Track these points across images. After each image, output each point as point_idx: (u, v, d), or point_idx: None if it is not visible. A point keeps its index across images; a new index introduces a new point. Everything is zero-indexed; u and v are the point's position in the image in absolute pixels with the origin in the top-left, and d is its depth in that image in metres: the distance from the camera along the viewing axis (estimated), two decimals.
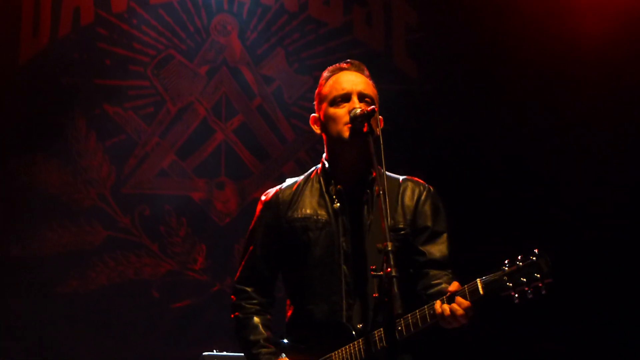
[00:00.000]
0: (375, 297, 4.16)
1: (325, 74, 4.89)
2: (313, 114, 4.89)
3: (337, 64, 4.90)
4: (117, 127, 8.97)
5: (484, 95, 9.04)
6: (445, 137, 8.93)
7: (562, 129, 8.90)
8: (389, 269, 3.97)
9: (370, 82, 4.81)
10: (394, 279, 3.94)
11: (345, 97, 4.69)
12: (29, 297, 8.54)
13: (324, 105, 4.77)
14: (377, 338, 4.40)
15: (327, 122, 4.74)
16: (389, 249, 4.02)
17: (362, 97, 4.69)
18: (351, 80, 4.77)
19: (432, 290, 4.53)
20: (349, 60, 4.90)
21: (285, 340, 4.82)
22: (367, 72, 4.84)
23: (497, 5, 9.07)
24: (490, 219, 8.65)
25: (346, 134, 4.62)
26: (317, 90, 4.91)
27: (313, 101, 4.93)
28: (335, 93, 4.73)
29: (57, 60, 8.87)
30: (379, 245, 4.09)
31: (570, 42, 8.92)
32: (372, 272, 4.11)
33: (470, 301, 4.19)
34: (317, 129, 4.87)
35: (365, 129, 4.49)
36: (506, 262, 4.17)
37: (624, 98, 8.80)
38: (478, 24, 9.10)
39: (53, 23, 8.93)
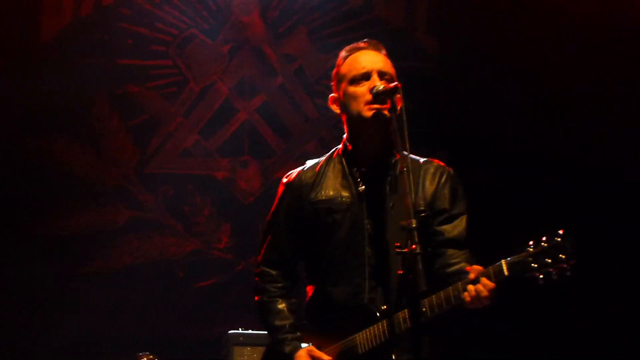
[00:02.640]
0: (400, 274, 4.15)
1: (343, 53, 4.86)
2: (332, 94, 4.87)
3: (354, 44, 4.86)
4: (140, 107, 8.99)
5: (506, 73, 9.00)
6: (467, 115, 8.91)
7: (588, 106, 8.87)
8: (413, 246, 3.97)
9: (389, 60, 4.78)
10: (418, 256, 3.94)
11: (365, 75, 4.66)
12: (53, 276, 8.59)
13: (343, 84, 4.74)
14: (401, 319, 4.38)
15: (347, 101, 4.71)
16: (414, 225, 4.02)
17: (382, 74, 4.66)
18: (370, 58, 4.73)
19: (450, 269, 4.52)
20: (366, 39, 4.87)
21: (306, 322, 4.82)
22: (384, 51, 4.81)
23: None
24: (514, 198, 8.64)
25: (368, 113, 4.59)
26: (334, 71, 4.87)
27: (332, 81, 4.92)
28: (354, 72, 4.69)
29: (79, 40, 8.88)
30: (403, 223, 4.07)
31: (592, 17, 8.88)
32: (397, 250, 4.10)
33: (495, 282, 4.18)
34: (336, 109, 4.83)
35: (388, 105, 4.47)
36: (530, 243, 4.15)
37: None
38: (500, 1, 9.06)
39: (75, 3, 8.93)
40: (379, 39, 4.90)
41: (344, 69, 4.78)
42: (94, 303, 8.61)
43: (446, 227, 4.66)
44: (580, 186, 8.70)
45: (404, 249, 4.05)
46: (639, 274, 8.49)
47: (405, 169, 4.18)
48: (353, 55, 4.79)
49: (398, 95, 4.46)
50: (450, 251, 4.60)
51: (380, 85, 4.55)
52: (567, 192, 8.68)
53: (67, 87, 8.78)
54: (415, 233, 3.99)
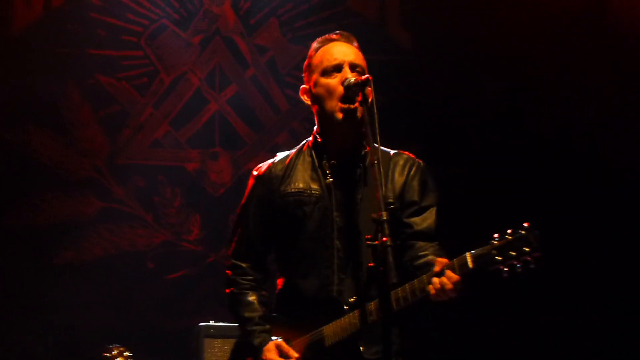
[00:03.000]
0: (371, 266, 4.16)
1: (315, 44, 4.87)
2: (303, 86, 4.87)
3: (327, 35, 4.87)
4: (111, 97, 8.95)
5: (479, 67, 9.02)
6: (439, 109, 8.93)
7: (560, 99, 8.89)
8: (384, 239, 3.98)
9: (360, 53, 4.80)
10: (389, 248, 3.95)
11: (337, 67, 4.67)
12: (23, 268, 8.54)
13: (315, 75, 4.75)
14: (368, 310, 4.41)
15: (319, 93, 4.72)
16: (384, 218, 4.02)
17: (353, 67, 4.68)
18: (342, 50, 4.74)
19: (418, 262, 4.52)
20: (338, 31, 4.88)
21: (275, 315, 4.83)
22: (356, 43, 4.83)
23: None
24: (483, 192, 8.66)
25: (339, 115, 4.61)
26: (306, 62, 4.88)
27: (303, 73, 4.91)
28: (326, 63, 4.70)
29: (50, 30, 8.83)
30: (374, 215, 4.08)
31: (567, 5, 8.92)
32: (367, 242, 4.11)
33: (459, 275, 4.20)
34: (307, 100, 4.85)
35: (359, 100, 4.48)
36: (495, 236, 4.17)
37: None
38: None
39: None
40: (352, 32, 4.92)
41: (315, 60, 4.79)
42: (64, 295, 8.57)
43: (415, 220, 4.68)
44: (555, 179, 8.73)
45: (374, 241, 4.07)
46: (617, 268, 8.54)
47: (375, 162, 4.19)
48: (325, 47, 4.80)
49: (369, 88, 4.48)
50: (419, 244, 4.62)
51: (351, 78, 4.56)
52: (542, 185, 8.72)
53: (38, 78, 8.74)
54: (386, 225, 4.00)
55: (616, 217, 8.59)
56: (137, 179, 8.94)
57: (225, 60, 9.18)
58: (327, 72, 4.69)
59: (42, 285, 8.55)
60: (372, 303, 4.40)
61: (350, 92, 4.54)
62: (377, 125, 4.30)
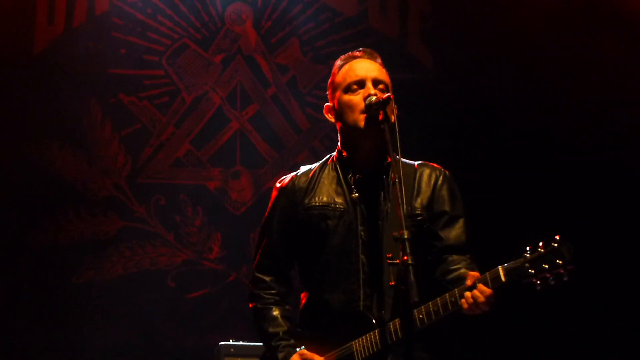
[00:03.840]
0: (392, 285, 4.14)
1: (338, 62, 4.87)
2: (327, 104, 4.87)
3: (350, 52, 4.87)
4: (133, 116, 8.98)
5: (500, 84, 9.01)
6: (461, 126, 8.91)
7: (579, 116, 8.87)
8: (405, 257, 3.96)
9: (384, 69, 4.79)
10: (410, 267, 3.93)
11: (360, 84, 4.67)
12: (44, 286, 8.56)
13: (338, 93, 4.75)
14: (392, 329, 4.39)
15: (341, 109, 4.72)
16: (405, 237, 4.00)
17: (376, 83, 4.67)
18: (365, 67, 4.74)
19: (451, 276, 4.51)
20: (361, 48, 4.88)
21: (300, 330, 4.80)
22: (379, 60, 4.82)
23: None
24: (508, 207, 8.64)
25: (362, 123, 4.60)
26: (330, 80, 4.88)
27: (327, 90, 4.91)
28: (349, 80, 4.70)
29: (72, 49, 8.88)
30: (395, 234, 4.06)
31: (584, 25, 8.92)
32: (389, 261, 4.09)
33: (492, 288, 4.18)
34: (331, 118, 4.84)
35: (380, 117, 4.47)
36: (527, 248, 4.15)
37: None
38: (493, 12, 9.07)
39: (68, 12, 8.94)
40: (373, 50, 4.90)
41: (339, 77, 4.79)
42: (86, 313, 8.58)
43: (446, 233, 4.66)
44: (579, 191, 8.70)
45: (396, 259, 4.05)
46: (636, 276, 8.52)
47: (397, 180, 4.17)
48: (348, 64, 4.80)
49: (391, 106, 4.47)
50: (452, 257, 4.60)
51: (372, 97, 4.55)
52: (566, 197, 8.69)
53: (60, 96, 8.78)
54: (407, 244, 3.98)
55: None
56: (159, 197, 8.95)
57: (247, 79, 9.19)
58: (350, 88, 4.69)
59: (64, 304, 8.56)
60: (395, 321, 4.39)
61: (372, 110, 4.53)
62: (398, 144, 4.30)
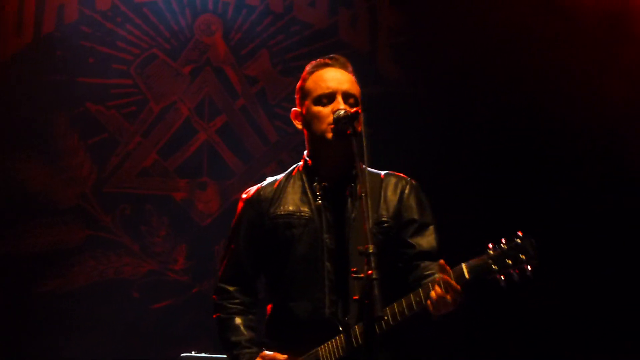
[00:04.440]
0: (355, 299, 4.14)
1: (309, 68, 4.85)
2: (294, 109, 4.86)
3: (321, 59, 4.85)
4: (100, 125, 8.94)
5: (468, 99, 9.04)
6: (429, 141, 8.93)
7: (545, 132, 8.92)
8: (370, 272, 3.95)
9: (354, 80, 4.79)
10: (375, 282, 3.92)
11: (330, 97, 4.67)
12: (7, 296, 8.50)
13: (307, 102, 4.74)
14: (356, 333, 4.41)
15: (310, 119, 4.72)
16: (370, 251, 4.00)
17: (346, 96, 4.67)
18: (336, 78, 4.73)
19: (425, 281, 4.50)
20: (333, 55, 4.86)
21: (266, 340, 4.78)
22: (350, 68, 4.82)
23: (481, 10, 9.07)
24: (474, 220, 8.68)
25: (329, 135, 4.61)
26: (299, 84, 4.87)
27: (295, 94, 4.89)
28: (319, 91, 4.70)
29: (40, 57, 8.83)
30: (360, 248, 4.06)
31: (556, 39, 8.96)
32: (353, 274, 4.09)
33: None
34: (298, 124, 4.84)
35: (348, 132, 4.46)
36: (490, 245, 4.19)
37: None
38: (463, 28, 9.10)
39: (37, 20, 8.89)
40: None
41: (309, 84, 4.77)
42: (48, 323, 8.52)
43: (417, 240, 4.69)
44: (547, 199, 8.78)
45: (360, 274, 4.05)
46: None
47: (363, 194, 4.17)
48: (319, 72, 4.79)
49: (359, 120, 4.47)
50: (424, 263, 4.64)
51: (341, 111, 4.55)
52: (534, 207, 8.76)
53: (26, 105, 8.73)
54: (373, 258, 3.98)
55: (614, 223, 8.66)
56: (125, 207, 8.92)
57: (215, 91, 9.17)
58: (320, 100, 4.68)
59: (27, 314, 8.50)
60: (357, 326, 4.40)
61: (340, 124, 4.53)
62: (365, 156, 4.30)
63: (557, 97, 8.87)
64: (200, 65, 9.16)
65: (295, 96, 4.89)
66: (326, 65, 4.81)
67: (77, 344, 8.50)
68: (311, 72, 4.82)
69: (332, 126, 4.59)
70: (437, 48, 9.15)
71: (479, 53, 9.02)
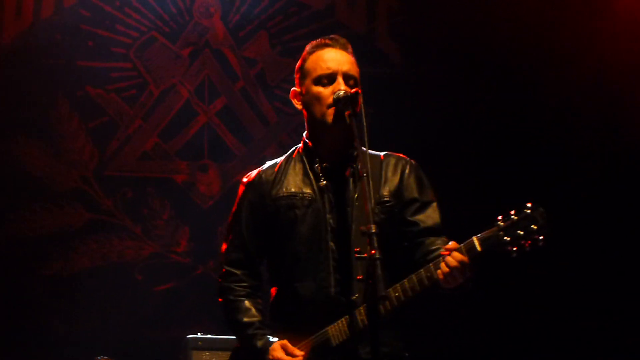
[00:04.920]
0: (359, 279, 4.16)
1: (309, 48, 4.81)
2: (293, 88, 4.85)
3: (322, 39, 4.80)
4: (100, 109, 8.94)
5: (468, 78, 9.05)
6: (428, 120, 8.94)
7: (553, 106, 8.95)
8: (373, 251, 3.98)
9: (354, 61, 4.76)
10: (378, 261, 3.95)
11: (330, 78, 4.65)
12: (11, 279, 8.52)
13: (307, 81, 4.72)
14: (364, 313, 4.40)
15: (310, 100, 4.70)
16: (373, 231, 4.03)
17: (347, 77, 4.66)
18: (337, 59, 4.70)
19: (431, 256, 4.51)
20: (333, 36, 4.82)
21: (271, 323, 4.78)
22: (350, 50, 4.79)
23: None
24: (475, 203, 8.69)
25: (329, 117, 4.60)
26: (298, 64, 4.84)
27: (294, 74, 4.89)
28: (320, 72, 4.68)
29: (39, 41, 8.81)
30: (363, 228, 4.08)
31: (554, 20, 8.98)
32: (356, 255, 4.11)
33: (467, 258, 4.22)
34: (297, 104, 4.82)
35: (348, 112, 4.48)
36: (499, 217, 4.21)
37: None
38: (462, 6, 9.11)
39: (36, 4, 8.86)
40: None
41: (309, 65, 4.76)
42: (51, 306, 8.56)
43: (420, 217, 4.68)
44: (551, 184, 8.80)
45: (363, 254, 4.07)
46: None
47: (364, 174, 4.19)
48: (319, 52, 4.76)
49: (359, 101, 4.48)
50: (429, 239, 4.62)
51: (341, 92, 4.56)
52: (538, 190, 8.78)
53: (27, 89, 8.73)
54: (375, 238, 4.00)
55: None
56: (126, 190, 8.93)
57: (215, 73, 9.18)
58: (320, 81, 4.67)
59: (30, 297, 8.53)
60: (364, 306, 4.41)
61: (340, 104, 4.54)
62: (366, 137, 4.32)
63: (561, 72, 8.88)
64: (200, 48, 9.17)
65: (295, 76, 4.87)
66: (326, 45, 4.79)
67: (80, 327, 8.53)
68: (311, 52, 4.80)
69: (333, 108, 4.59)
70: (436, 26, 9.17)
71: (479, 31, 9.02)
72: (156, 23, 9.06)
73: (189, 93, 9.11)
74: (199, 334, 7.11)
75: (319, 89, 4.66)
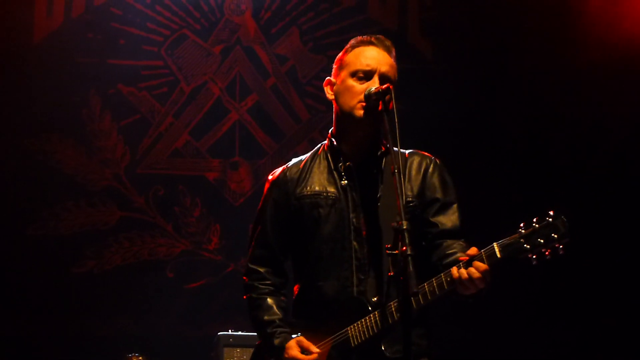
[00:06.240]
0: (390, 275, 4.13)
1: (353, 42, 4.80)
2: (329, 77, 4.84)
3: (368, 36, 4.79)
4: (132, 107, 8.98)
5: (499, 74, 9.01)
6: (460, 116, 8.91)
7: (576, 106, 8.89)
8: (404, 248, 3.95)
9: (395, 65, 4.73)
10: (410, 257, 3.93)
11: (368, 74, 4.62)
12: (45, 276, 8.56)
13: (344, 72, 4.71)
14: (393, 309, 4.38)
15: (342, 91, 4.69)
16: (404, 227, 4.00)
17: (383, 78, 4.62)
18: (378, 58, 4.68)
19: (447, 260, 4.50)
20: (380, 36, 4.81)
21: (294, 320, 4.80)
22: (394, 53, 4.76)
23: None
24: (503, 199, 8.67)
25: (359, 112, 4.58)
26: (339, 55, 4.82)
27: (334, 64, 4.87)
28: (358, 66, 4.66)
29: (71, 40, 8.87)
30: (394, 224, 4.06)
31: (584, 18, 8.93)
32: (388, 251, 4.09)
33: (487, 265, 4.19)
34: (329, 94, 4.81)
35: (380, 108, 4.46)
36: (521, 225, 4.16)
37: None
38: (492, 2, 9.08)
39: (67, 3, 8.91)
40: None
41: (349, 58, 4.75)
42: (84, 303, 8.59)
43: (440, 219, 4.66)
44: (579, 179, 8.78)
45: (394, 250, 4.04)
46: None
47: (396, 170, 4.17)
48: (362, 48, 4.74)
49: (389, 97, 4.46)
50: (447, 242, 4.61)
51: (372, 87, 4.54)
52: (566, 185, 8.76)
53: (59, 87, 8.78)
54: (407, 234, 3.98)
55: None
56: (158, 188, 8.96)
57: (246, 70, 9.19)
58: (357, 75, 4.65)
59: (63, 294, 8.57)
60: (393, 302, 4.38)
61: (371, 101, 4.52)
62: (397, 133, 4.29)
63: (594, 72, 8.83)
64: (231, 45, 9.17)
65: (334, 66, 4.85)
66: (371, 43, 4.76)
67: (113, 325, 8.57)
68: (354, 46, 4.78)
69: (363, 104, 4.57)
70: (468, 22, 9.14)
71: (511, 27, 8.98)
72: (187, 20, 9.08)
73: (220, 90, 9.12)
74: (230, 331, 7.14)
75: (353, 83, 4.65)
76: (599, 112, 8.86)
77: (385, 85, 4.49)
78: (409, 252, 3.93)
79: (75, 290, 8.63)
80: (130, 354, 5.41)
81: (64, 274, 8.65)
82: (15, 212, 8.66)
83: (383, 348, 4.48)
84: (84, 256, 8.75)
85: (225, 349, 7.11)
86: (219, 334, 7.18)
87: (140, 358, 5.37)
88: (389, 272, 4.11)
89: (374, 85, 4.58)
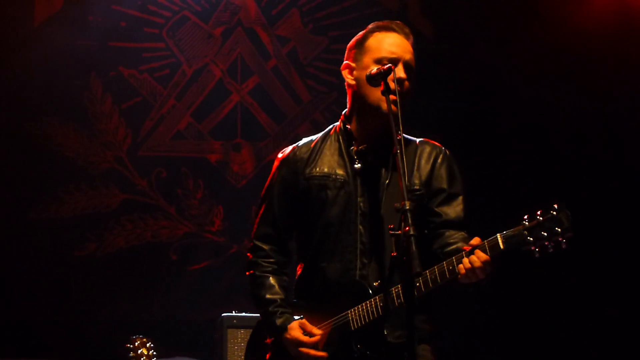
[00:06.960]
0: (394, 255, 4.14)
1: (372, 26, 4.75)
2: (347, 62, 4.78)
3: (387, 22, 4.75)
4: (133, 89, 8.97)
5: (501, 54, 8.99)
6: (461, 97, 8.90)
7: (580, 88, 8.87)
8: (407, 228, 3.95)
9: (414, 52, 4.71)
10: (412, 238, 3.92)
11: (393, 62, 4.55)
12: (47, 260, 8.57)
13: (367, 58, 4.66)
14: (394, 295, 4.38)
15: (365, 78, 4.61)
16: (407, 207, 4.00)
17: (408, 67, 4.60)
18: (402, 46, 4.65)
19: (448, 249, 4.51)
20: (400, 22, 4.77)
21: (296, 301, 4.81)
22: (412, 40, 4.72)
23: None
24: (507, 178, 8.66)
25: (385, 105, 4.45)
26: (356, 38, 4.78)
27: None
28: (384, 54, 4.61)
29: (71, 22, 8.84)
30: (397, 205, 4.06)
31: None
32: (391, 231, 4.09)
33: (490, 256, 4.19)
34: (350, 79, 4.75)
35: (382, 88, 4.44)
36: (525, 217, 4.17)
37: None
38: None
39: None
40: (374, 20, 4.83)
41: (371, 43, 4.69)
42: (87, 286, 8.61)
43: (444, 209, 4.66)
44: (581, 166, 8.76)
45: (397, 230, 4.05)
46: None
47: (398, 151, 4.16)
48: (385, 34, 4.70)
49: (390, 77, 4.45)
50: (449, 232, 4.61)
51: (373, 68, 4.53)
52: (563, 167, 8.74)
53: (60, 70, 8.76)
54: (409, 215, 3.98)
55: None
56: (160, 170, 8.96)
57: (247, 52, 9.18)
58: (381, 62, 4.59)
59: (66, 277, 8.58)
60: (396, 287, 4.38)
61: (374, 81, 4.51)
62: (399, 118, 4.29)
63: (596, 58, 8.82)
64: (232, 27, 9.16)
65: (350, 50, 4.79)
66: (392, 29, 4.71)
67: (116, 307, 8.59)
68: (374, 31, 4.73)
69: (386, 97, 4.49)
70: (469, 1, 9.12)
71: (514, 5, 8.96)
72: (188, 2, 9.07)
73: (222, 72, 9.11)
74: (234, 312, 7.16)
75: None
76: (615, 94, 8.85)
77: (386, 66, 4.46)
78: (411, 232, 3.93)
79: (78, 273, 8.63)
80: (134, 336, 5.43)
81: (66, 257, 8.66)
82: (17, 196, 8.67)
83: (385, 333, 4.50)
84: (86, 239, 8.76)
85: (229, 330, 7.12)
86: (222, 315, 7.19)
87: (144, 340, 5.38)
88: (392, 252, 4.13)
89: (400, 72, 4.54)
